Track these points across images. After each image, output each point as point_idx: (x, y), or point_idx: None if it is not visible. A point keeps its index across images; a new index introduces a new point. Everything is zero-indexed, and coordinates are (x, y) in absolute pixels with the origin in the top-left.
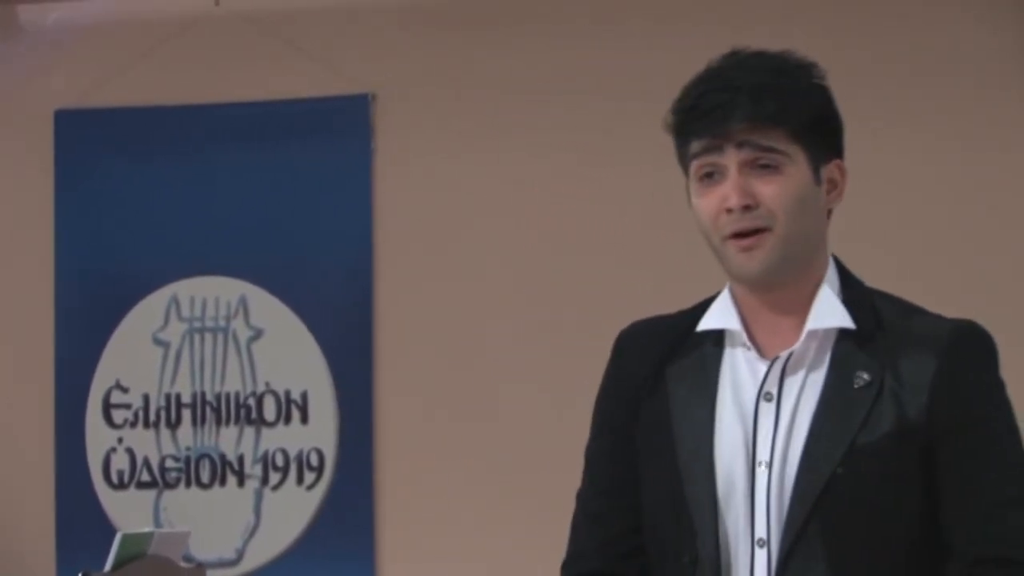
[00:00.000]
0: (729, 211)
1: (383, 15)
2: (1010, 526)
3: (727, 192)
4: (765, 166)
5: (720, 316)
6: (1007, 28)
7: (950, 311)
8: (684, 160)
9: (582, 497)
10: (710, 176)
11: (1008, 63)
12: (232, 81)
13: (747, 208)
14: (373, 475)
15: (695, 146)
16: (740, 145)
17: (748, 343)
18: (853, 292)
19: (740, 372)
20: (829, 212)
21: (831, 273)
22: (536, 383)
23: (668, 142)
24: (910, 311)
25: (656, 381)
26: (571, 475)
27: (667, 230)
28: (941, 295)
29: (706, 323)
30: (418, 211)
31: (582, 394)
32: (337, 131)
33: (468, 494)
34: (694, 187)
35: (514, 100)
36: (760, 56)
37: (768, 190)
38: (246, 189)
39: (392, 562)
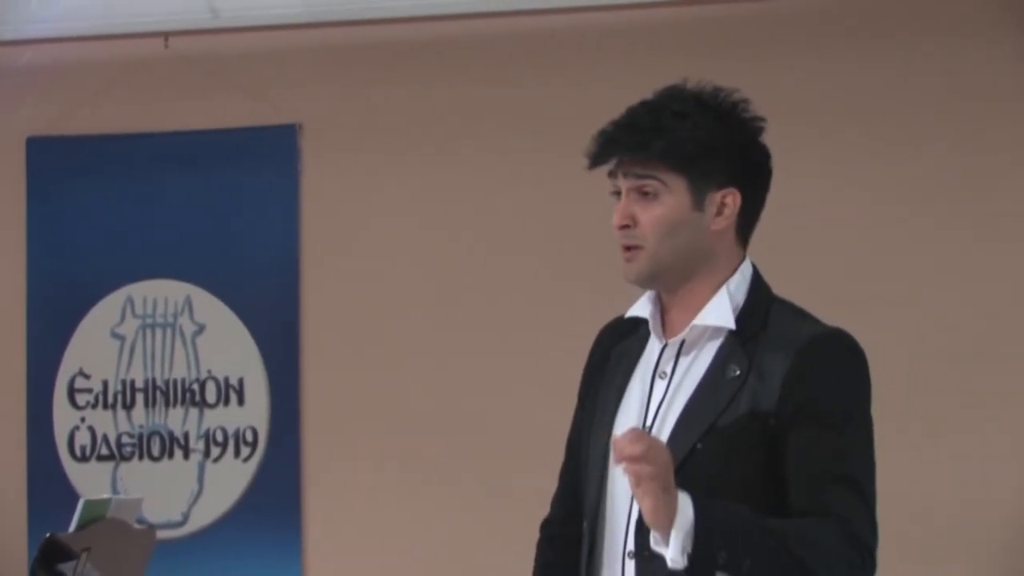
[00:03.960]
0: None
1: (308, 55)
2: (828, 497)
3: (616, 211)
4: (646, 193)
5: (641, 306)
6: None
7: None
8: None
9: (562, 467)
10: (617, 195)
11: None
12: (179, 113)
13: (625, 227)
14: (300, 449)
15: (607, 169)
16: (626, 175)
17: (653, 330)
18: (754, 298)
19: (651, 354)
20: (745, 230)
21: (739, 278)
22: (439, 369)
23: (571, 164)
24: (797, 317)
25: (608, 362)
26: (478, 453)
27: (574, 241)
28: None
29: (631, 311)
30: (338, 223)
31: (494, 378)
32: (269, 156)
33: (386, 467)
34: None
35: (425, 129)
36: (673, 97)
37: (644, 215)
38: (191, 205)
39: (316, 524)
